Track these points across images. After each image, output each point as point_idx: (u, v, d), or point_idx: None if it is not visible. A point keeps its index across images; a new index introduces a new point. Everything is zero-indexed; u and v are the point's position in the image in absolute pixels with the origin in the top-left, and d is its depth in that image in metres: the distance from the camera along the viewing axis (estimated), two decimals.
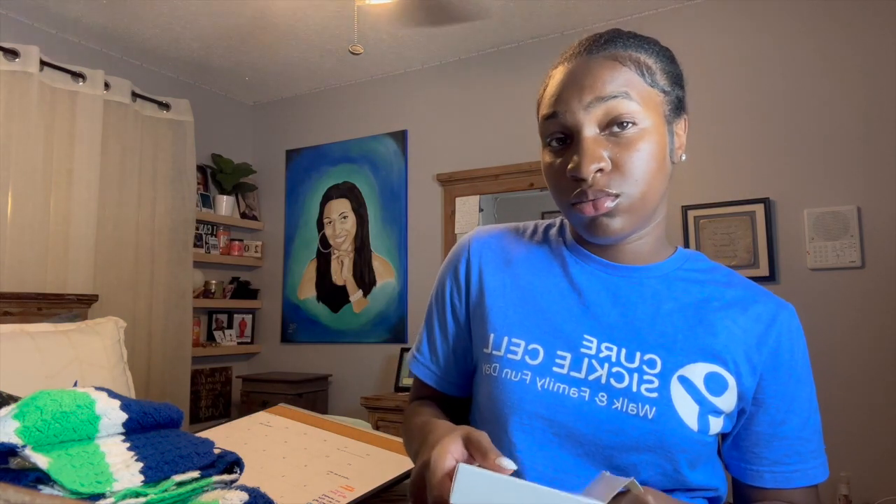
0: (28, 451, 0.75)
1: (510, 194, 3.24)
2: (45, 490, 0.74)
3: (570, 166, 0.73)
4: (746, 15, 2.74)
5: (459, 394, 0.92)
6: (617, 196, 0.73)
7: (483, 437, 0.62)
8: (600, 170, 0.72)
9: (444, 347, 0.90)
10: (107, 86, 3.04)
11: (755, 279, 2.52)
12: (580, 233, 0.79)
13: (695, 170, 2.76)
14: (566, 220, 0.89)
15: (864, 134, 2.48)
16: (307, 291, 3.77)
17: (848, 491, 2.32)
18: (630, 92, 0.72)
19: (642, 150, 0.72)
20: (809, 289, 2.52)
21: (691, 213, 2.75)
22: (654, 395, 0.72)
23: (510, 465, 0.59)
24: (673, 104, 0.77)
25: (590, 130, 0.73)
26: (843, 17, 2.55)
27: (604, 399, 0.73)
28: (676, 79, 0.78)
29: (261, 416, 1.68)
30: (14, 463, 0.77)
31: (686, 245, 2.75)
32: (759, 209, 2.62)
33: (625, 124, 0.72)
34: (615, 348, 0.76)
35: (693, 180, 2.76)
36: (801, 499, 0.76)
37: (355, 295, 3.60)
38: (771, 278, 2.57)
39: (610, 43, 0.76)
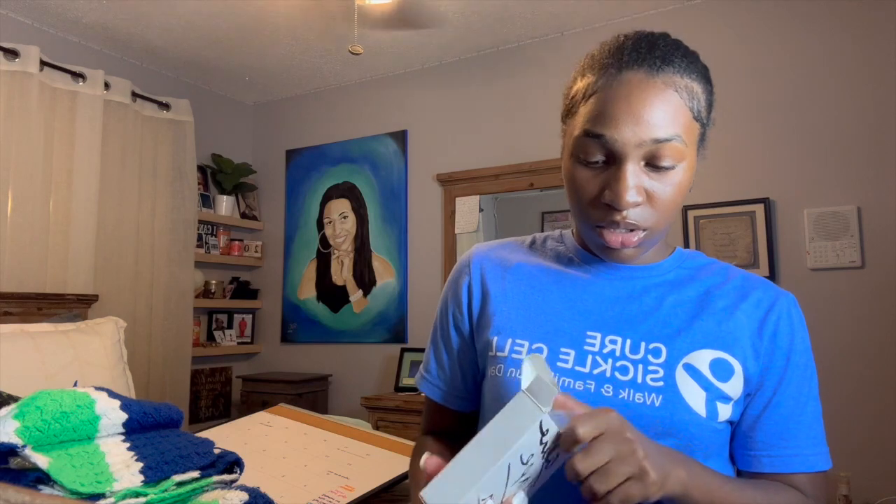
0: (28, 451, 0.75)
1: (510, 194, 3.24)
2: (45, 490, 0.74)
3: (608, 195, 0.71)
4: (746, 15, 2.74)
5: (470, 408, 0.92)
6: (644, 230, 0.73)
7: (425, 459, 0.61)
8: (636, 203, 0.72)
9: (450, 362, 0.91)
10: (107, 86, 3.04)
11: None
12: (594, 250, 0.79)
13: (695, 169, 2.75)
14: (565, 232, 0.91)
15: (865, 134, 2.48)
16: (307, 291, 3.77)
17: (848, 491, 2.32)
18: (683, 135, 0.71)
19: (678, 186, 0.73)
20: (809, 289, 2.52)
21: (691, 213, 2.75)
22: (660, 383, 0.73)
23: (428, 459, 0.60)
24: (705, 131, 0.76)
25: (634, 163, 0.71)
26: (843, 17, 2.55)
27: (609, 390, 0.74)
28: (712, 105, 0.77)
29: (261, 416, 1.68)
30: (14, 463, 0.77)
31: (686, 245, 2.75)
32: (759, 209, 2.62)
33: (670, 165, 0.72)
34: (619, 340, 0.77)
35: (693, 180, 2.76)
36: (804, 485, 0.76)
37: (355, 295, 3.60)
38: (771, 278, 2.57)
39: (668, 63, 0.71)
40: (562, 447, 0.59)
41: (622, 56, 0.72)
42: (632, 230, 0.73)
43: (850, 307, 2.45)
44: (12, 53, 2.71)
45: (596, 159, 0.72)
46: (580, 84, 0.76)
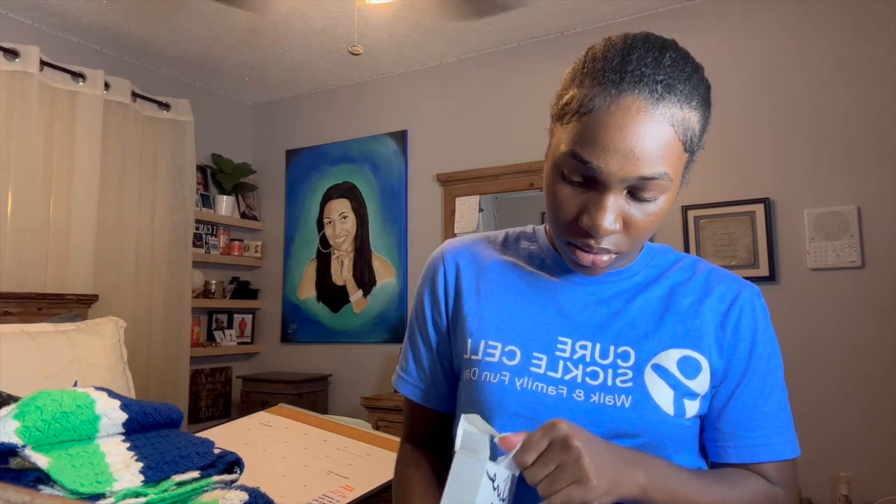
0: (28, 451, 0.75)
1: (510, 194, 3.24)
2: (46, 490, 0.74)
3: (585, 220, 0.71)
4: (744, 16, 2.74)
5: (451, 408, 0.92)
6: (617, 253, 0.74)
7: None
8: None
9: (430, 362, 0.91)
10: (107, 86, 3.04)
11: (755, 279, 2.52)
12: (565, 261, 0.80)
13: (695, 170, 2.75)
14: (538, 228, 0.91)
15: (865, 134, 2.48)
16: (307, 291, 3.77)
17: (848, 491, 2.32)
18: (670, 171, 0.69)
19: (656, 215, 0.72)
20: (809, 289, 2.52)
21: (691, 213, 2.75)
22: (629, 384, 0.75)
23: None
24: (693, 157, 0.75)
25: (616, 193, 0.70)
26: (842, 18, 2.55)
27: (581, 395, 0.75)
28: (705, 130, 0.74)
29: (261, 416, 1.69)
30: (14, 463, 0.77)
31: (686, 246, 2.75)
32: (759, 209, 2.62)
33: (653, 198, 0.71)
34: (589, 345, 0.78)
35: (693, 180, 2.75)
36: (771, 474, 0.77)
37: (355, 295, 3.60)
38: (771, 278, 2.57)
39: (670, 90, 0.67)
40: (519, 467, 0.64)
41: (624, 72, 0.67)
42: (602, 253, 0.73)
43: (850, 307, 2.45)
44: (12, 53, 2.71)
45: (578, 179, 0.71)
46: (576, 92, 0.71)
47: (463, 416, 0.66)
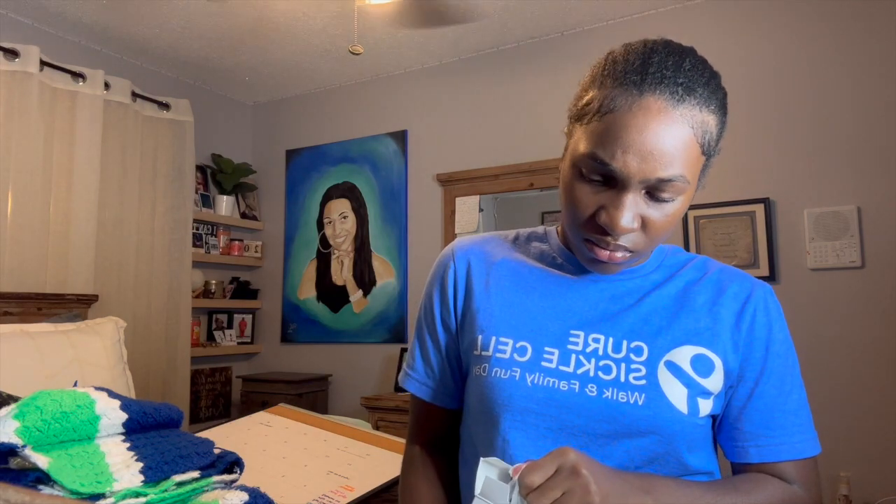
0: (28, 451, 0.75)
1: (510, 194, 3.24)
2: (45, 490, 0.74)
3: (603, 217, 0.71)
4: (745, 15, 2.74)
5: (460, 405, 0.92)
6: (633, 251, 0.74)
7: None
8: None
9: (437, 360, 0.91)
10: (107, 86, 3.04)
11: None
12: (580, 259, 0.79)
13: None
14: (549, 230, 0.91)
15: (864, 134, 2.48)
16: (307, 291, 3.77)
17: (848, 491, 2.32)
18: (687, 174, 0.70)
19: (673, 215, 0.73)
20: (809, 289, 2.52)
21: (691, 213, 2.75)
22: (643, 382, 0.74)
23: None
24: (709, 161, 0.75)
25: (634, 192, 0.70)
26: (842, 18, 2.55)
27: (593, 390, 0.75)
28: (722, 135, 0.75)
29: (261, 416, 1.69)
30: (14, 463, 0.77)
31: (686, 245, 2.75)
32: (759, 209, 2.62)
33: (670, 199, 0.72)
34: (602, 338, 0.78)
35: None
36: (792, 473, 0.77)
37: (355, 295, 3.60)
38: (771, 278, 2.57)
39: (690, 92, 0.68)
40: (524, 489, 0.63)
41: (646, 74, 0.68)
42: (619, 250, 0.74)
43: (850, 307, 2.45)
44: (12, 53, 2.71)
45: (597, 178, 0.72)
46: (596, 93, 0.72)
47: (482, 460, 0.65)
